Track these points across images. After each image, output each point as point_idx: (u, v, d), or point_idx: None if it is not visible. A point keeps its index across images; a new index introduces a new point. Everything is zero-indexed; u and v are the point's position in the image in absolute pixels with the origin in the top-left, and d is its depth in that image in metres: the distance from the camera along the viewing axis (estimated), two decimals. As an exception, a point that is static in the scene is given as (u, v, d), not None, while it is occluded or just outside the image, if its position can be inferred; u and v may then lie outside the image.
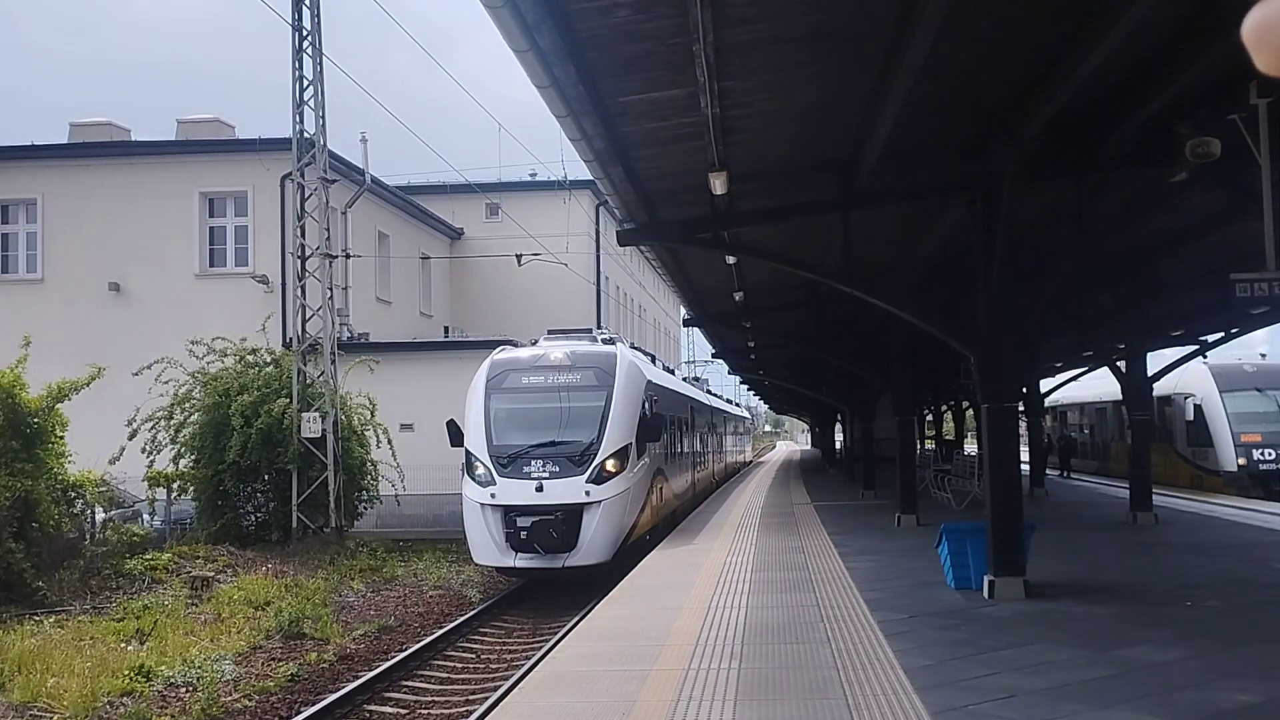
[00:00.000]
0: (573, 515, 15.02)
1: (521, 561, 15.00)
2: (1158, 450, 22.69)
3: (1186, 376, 25.15)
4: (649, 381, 18.15)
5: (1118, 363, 19.36)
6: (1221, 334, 22.26)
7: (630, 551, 15.56)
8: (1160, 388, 20.73)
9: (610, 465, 15.48)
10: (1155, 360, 19.44)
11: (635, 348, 21.57)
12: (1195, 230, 14.36)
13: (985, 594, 10.08)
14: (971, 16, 7.41)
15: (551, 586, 16.05)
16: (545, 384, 16.42)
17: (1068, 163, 10.53)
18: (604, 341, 18.48)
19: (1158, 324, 19.77)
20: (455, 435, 16.39)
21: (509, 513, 15.02)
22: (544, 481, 15.18)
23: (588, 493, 15.17)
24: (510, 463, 15.43)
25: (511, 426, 15.99)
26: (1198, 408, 26.40)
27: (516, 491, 15.15)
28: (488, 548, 15.30)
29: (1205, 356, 24.15)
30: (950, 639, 8.33)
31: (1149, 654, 7.63)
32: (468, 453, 15.88)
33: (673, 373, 29.17)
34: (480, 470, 15.52)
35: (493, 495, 15.21)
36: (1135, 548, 14.35)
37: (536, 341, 18.38)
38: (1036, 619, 9.06)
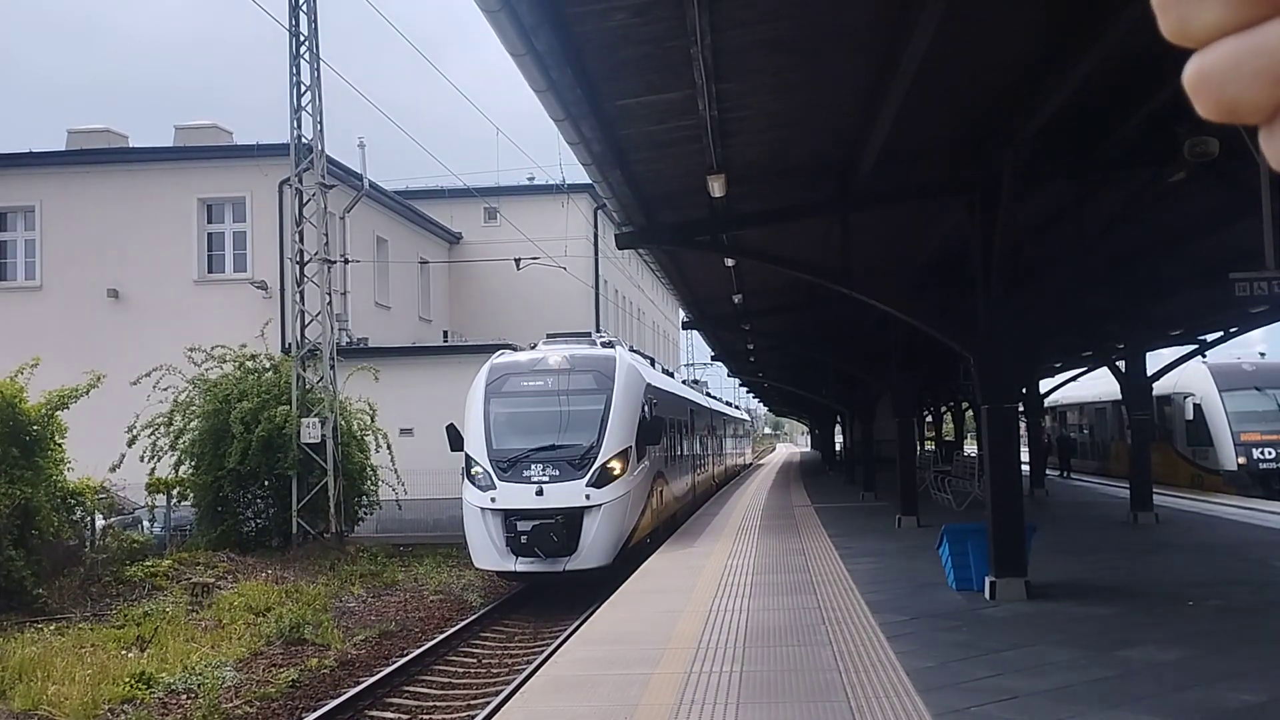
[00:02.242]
0: (573, 519, 15.00)
1: (522, 565, 14.98)
2: (1158, 450, 22.67)
3: (1186, 376, 25.12)
4: (648, 384, 18.13)
5: (1117, 362, 19.37)
6: (1220, 333, 22.27)
7: (631, 555, 15.55)
8: (1160, 387, 20.72)
9: (610, 468, 15.47)
10: (1154, 360, 19.45)
11: (634, 351, 21.55)
12: (1194, 230, 14.34)
13: (986, 595, 10.07)
14: (968, 18, 7.41)
15: (552, 590, 16.02)
16: (545, 388, 16.40)
17: (1066, 163, 10.54)
18: (603, 345, 18.47)
19: (1157, 324, 19.76)
20: (455, 440, 16.37)
21: (509, 517, 15.01)
22: (544, 485, 15.16)
23: (588, 496, 15.15)
24: (510, 467, 15.41)
25: (511, 430, 15.98)
26: (1197, 407, 26.38)
27: (517, 495, 15.13)
28: (488, 552, 15.28)
29: (1204, 356, 24.15)
30: (952, 640, 8.32)
31: (1151, 654, 7.62)
32: (467, 457, 15.87)
33: (672, 375, 29.15)
34: (480, 474, 15.50)
35: (493, 499, 15.20)
36: (1136, 548, 14.34)
37: (535, 345, 18.36)
38: (1038, 620, 9.05)
